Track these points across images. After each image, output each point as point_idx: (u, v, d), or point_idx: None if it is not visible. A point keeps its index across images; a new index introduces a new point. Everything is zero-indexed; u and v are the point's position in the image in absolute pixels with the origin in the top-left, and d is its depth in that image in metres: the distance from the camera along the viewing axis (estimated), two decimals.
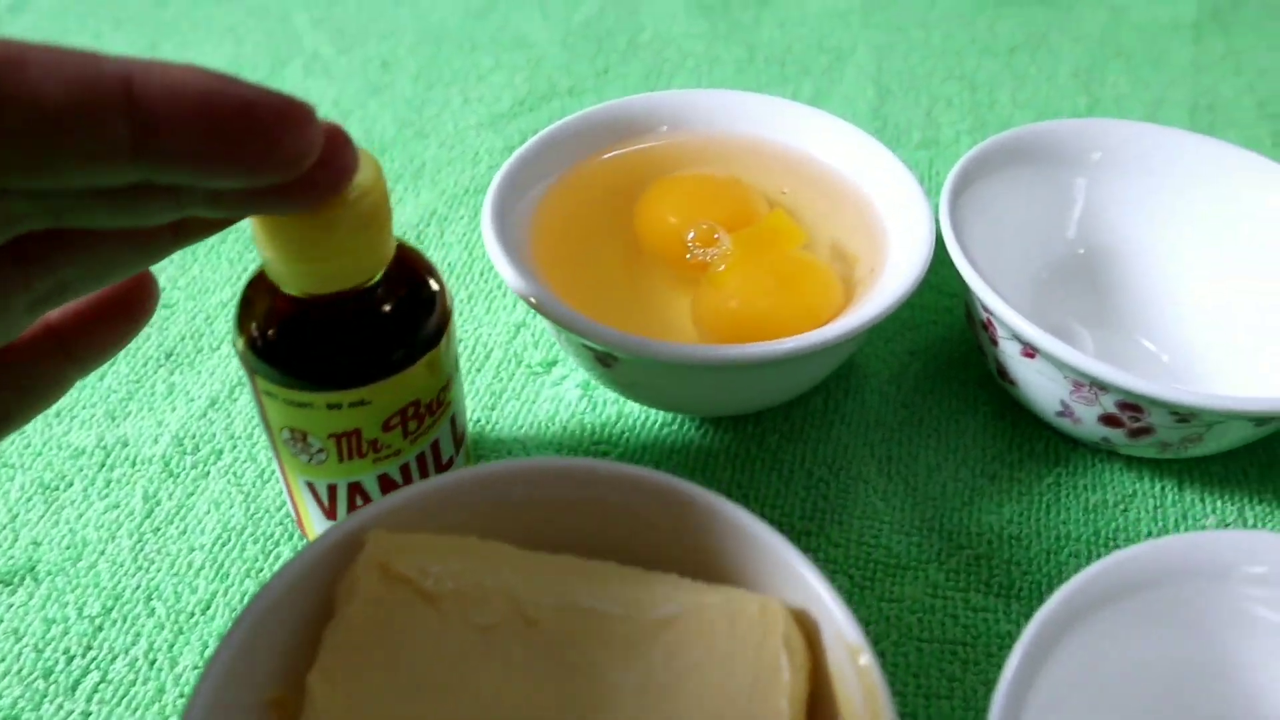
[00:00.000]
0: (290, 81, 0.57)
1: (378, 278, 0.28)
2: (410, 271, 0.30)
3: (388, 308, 0.29)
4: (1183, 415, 0.33)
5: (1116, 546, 0.36)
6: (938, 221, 0.37)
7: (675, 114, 0.42)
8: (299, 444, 0.30)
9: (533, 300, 0.33)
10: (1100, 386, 0.33)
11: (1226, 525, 0.37)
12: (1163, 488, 0.38)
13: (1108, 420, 0.35)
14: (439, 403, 0.31)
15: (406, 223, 0.48)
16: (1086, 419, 0.35)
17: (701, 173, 0.41)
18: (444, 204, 0.49)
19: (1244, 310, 0.40)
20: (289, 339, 0.28)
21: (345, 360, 0.28)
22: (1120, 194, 0.42)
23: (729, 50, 0.59)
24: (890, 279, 0.36)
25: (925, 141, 0.52)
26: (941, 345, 0.42)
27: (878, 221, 0.39)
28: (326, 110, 0.55)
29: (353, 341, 0.28)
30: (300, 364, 0.28)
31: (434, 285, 0.30)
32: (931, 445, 0.39)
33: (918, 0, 0.63)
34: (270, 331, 0.28)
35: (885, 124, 0.53)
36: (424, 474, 0.33)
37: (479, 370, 0.41)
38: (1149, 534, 0.36)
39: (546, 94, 0.56)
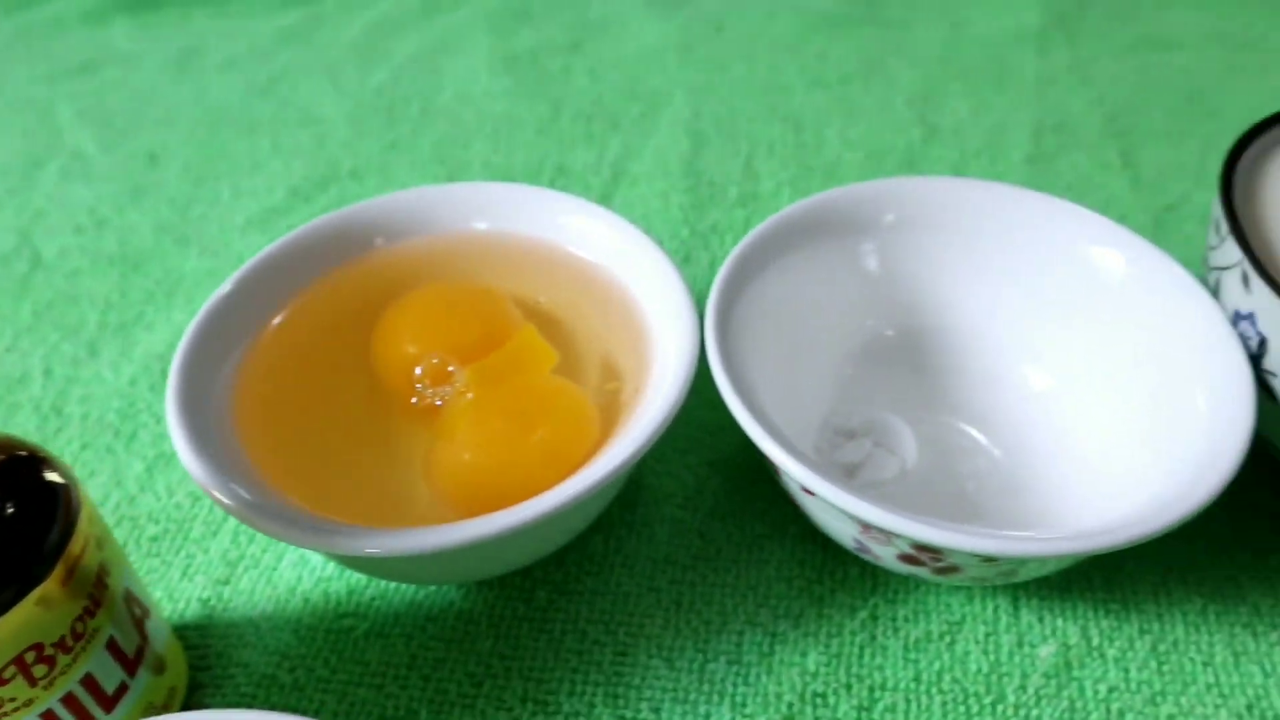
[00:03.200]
0: (45, 187, 0.51)
1: None
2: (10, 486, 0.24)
3: None
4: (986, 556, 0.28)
5: (940, 690, 0.31)
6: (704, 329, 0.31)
7: (419, 214, 0.36)
8: None
9: (228, 505, 0.28)
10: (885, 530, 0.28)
11: (1069, 649, 0.32)
12: (995, 609, 0.33)
13: (908, 559, 0.29)
14: (79, 634, 0.26)
15: (152, 352, 0.42)
16: (885, 558, 0.30)
17: (444, 287, 0.35)
18: None
19: (1081, 384, 0.35)
20: None
21: None
22: (924, 260, 0.36)
23: (532, 109, 0.53)
24: (651, 404, 0.30)
25: (743, 198, 0.47)
26: (745, 453, 0.37)
27: (646, 331, 0.34)
28: (81, 221, 0.49)
29: None
30: None
31: (49, 497, 0.25)
32: (729, 582, 0.33)
33: (743, 31, 0.58)
34: None
35: (699, 180, 0.48)
36: (80, 716, 0.27)
37: (213, 535, 0.36)
38: (979, 670, 0.31)
39: (325, 179, 0.50)
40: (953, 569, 0.29)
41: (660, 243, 0.34)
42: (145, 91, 0.57)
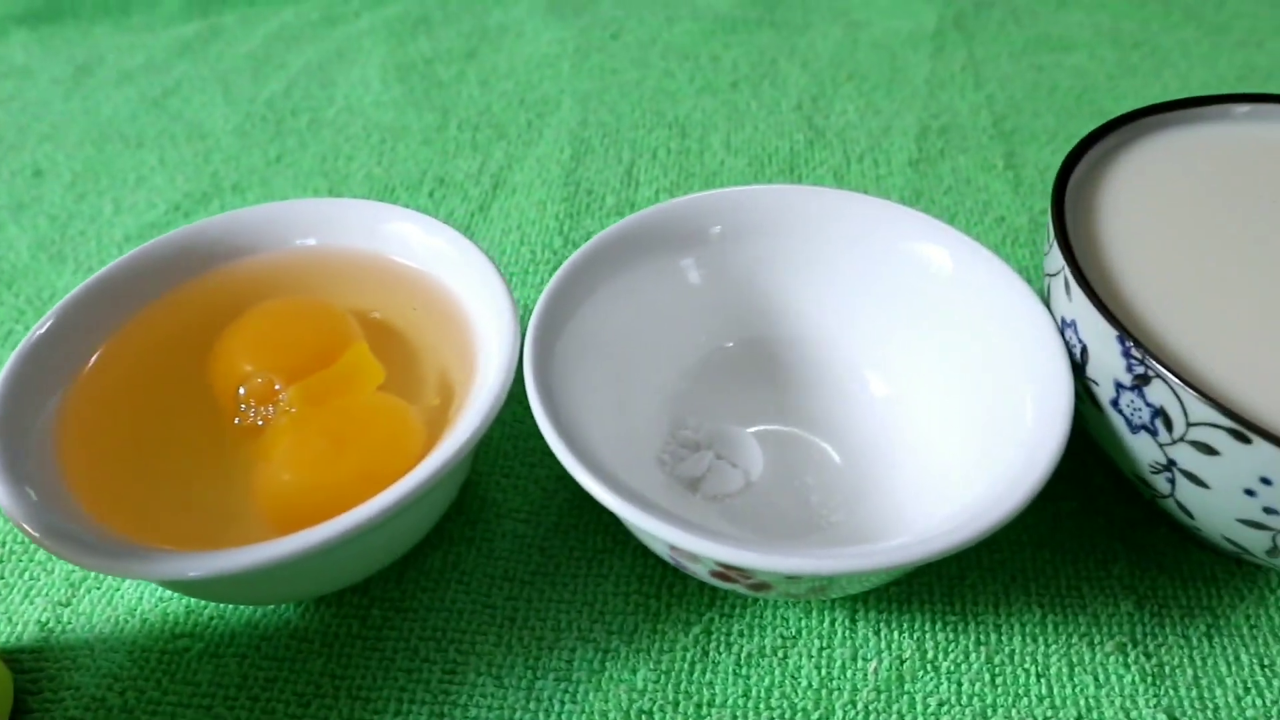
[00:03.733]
0: None
1: None
2: None
3: None
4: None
5: (768, 706, 0.30)
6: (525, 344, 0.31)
7: (251, 234, 0.36)
8: None
9: (32, 534, 0.27)
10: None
11: (902, 662, 0.31)
12: (832, 623, 0.32)
13: (720, 576, 0.29)
14: None
15: None
16: (701, 574, 0.30)
17: (280, 304, 0.35)
18: None
19: (918, 389, 0.35)
20: None
21: None
22: (757, 270, 0.36)
23: (420, 118, 0.53)
24: (466, 420, 0.30)
25: (619, 206, 0.47)
26: None
27: (476, 343, 0.33)
28: None
29: None
30: None
31: None
32: (566, 598, 0.33)
33: (639, 37, 0.57)
34: None
35: (578, 189, 0.47)
36: None
37: (52, 556, 0.35)
38: (809, 685, 0.31)
39: (207, 194, 0.49)
40: (764, 585, 0.29)
41: (486, 250, 0.34)
42: (37, 105, 0.56)
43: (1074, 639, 0.32)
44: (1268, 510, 0.27)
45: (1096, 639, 0.32)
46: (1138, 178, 0.34)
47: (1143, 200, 0.33)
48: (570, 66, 0.56)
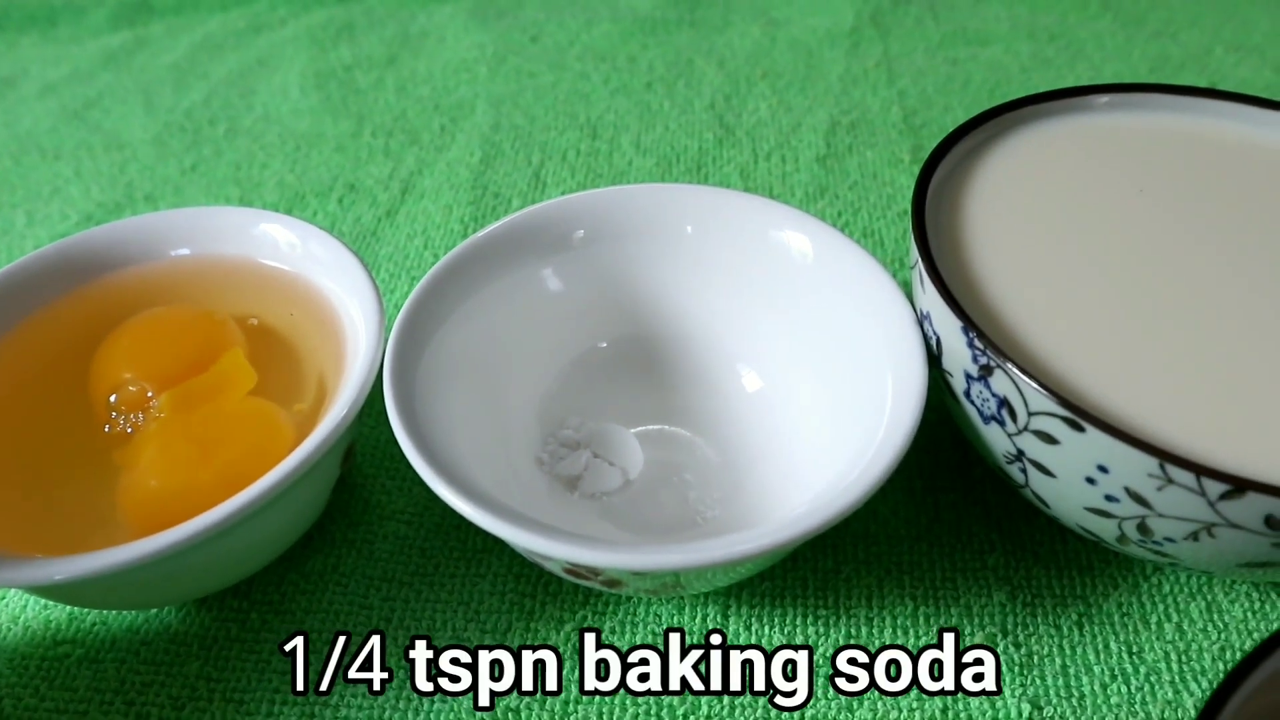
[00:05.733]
0: None
1: None
2: None
3: None
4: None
5: (634, 704, 0.31)
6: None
7: (144, 241, 0.36)
8: None
9: None
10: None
11: (771, 652, 0.32)
12: (705, 619, 0.32)
13: (574, 574, 0.29)
14: None
15: None
16: (558, 571, 0.30)
17: (160, 312, 0.35)
18: None
19: (787, 381, 0.35)
20: None
21: None
22: (626, 270, 0.36)
23: (335, 126, 0.53)
24: (321, 426, 0.30)
25: (525, 208, 0.47)
26: None
27: (349, 347, 0.34)
28: None
29: None
30: None
31: None
32: (443, 598, 0.33)
33: (558, 40, 0.58)
34: None
35: (485, 192, 0.48)
36: None
37: None
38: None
39: (119, 204, 0.49)
40: (616, 583, 0.29)
41: (357, 252, 0.34)
42: None
43: (945, 631, 0.32)
44: (1109, 498, 0.27)
45: (967, 630, 0.32)
46: (1001, 171, 0.34)
47: (1004, 193, 0.33)
48: (488, 70, 0.56)
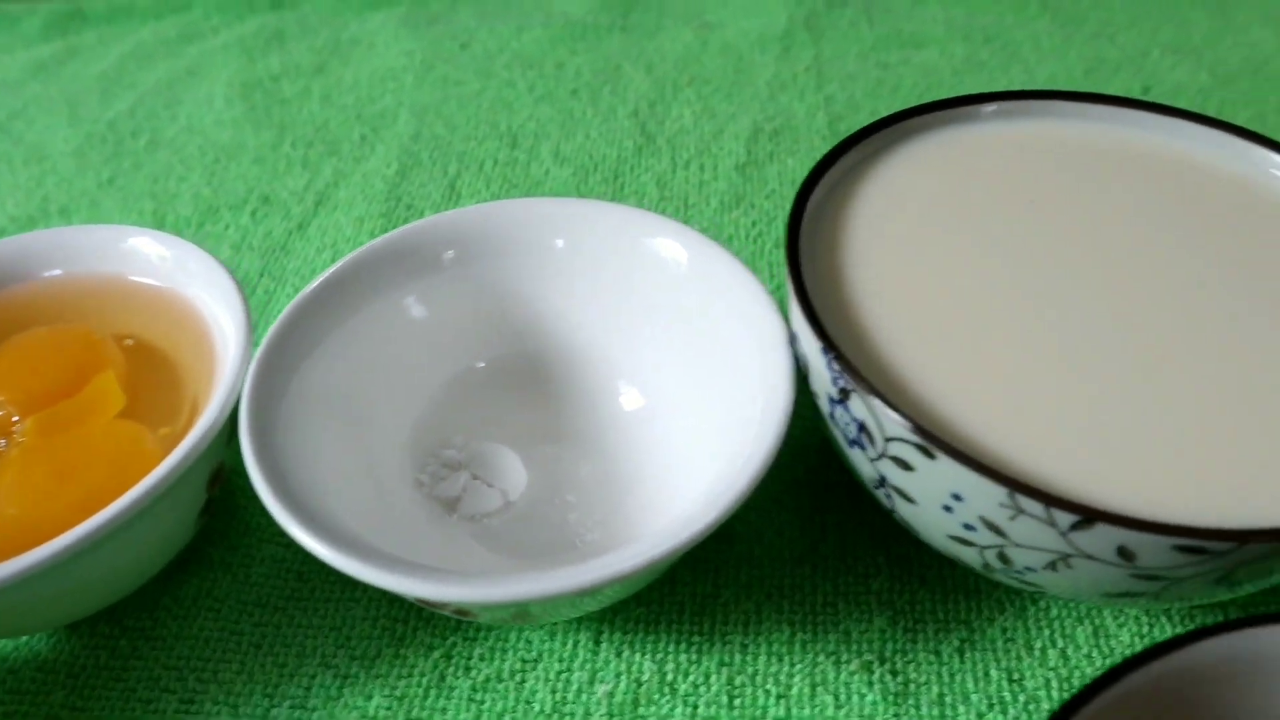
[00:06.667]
0: None
1: None
2: None
3: None
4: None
5: None
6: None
7: (13, 263, 0.36)
8: None
9: None
10: None
11: (640, 685, 0.31)
12: (575, 645, 0.32)
13: (424, 603, 0.28)
14: None
15: None
16: (414, 601, 0.29)
17: (35, 334, 0.35)
18: None
19: (666, 400, 0.34)
20: None
21: None
22: (500, 288, 0.36)
23: (257, 136, 0.52)
24: (180, 450, 0.29)
25: None
26: None
27: (220, 367, 0.33)
28: None
29: None
30: None
31: None
32: (315, 623, 0.33)
33: (488, 46, 0.57)
34: None
35: (398, 204, 0.47)
36: None
37: None
38: (541, 710, 0.30)
39: (33, 218, 0.49)
40: (465, 613, 0.28)
41: (227, 265, 0.33)
42: None
43: (820, 657, 0.31)
44: (967, 526, 0.26)
45: (844, 657, 0.31)
46: (881, 186, 0.33)
47: (888, 209, 0.33)
48: (414, 79, 0.55)
